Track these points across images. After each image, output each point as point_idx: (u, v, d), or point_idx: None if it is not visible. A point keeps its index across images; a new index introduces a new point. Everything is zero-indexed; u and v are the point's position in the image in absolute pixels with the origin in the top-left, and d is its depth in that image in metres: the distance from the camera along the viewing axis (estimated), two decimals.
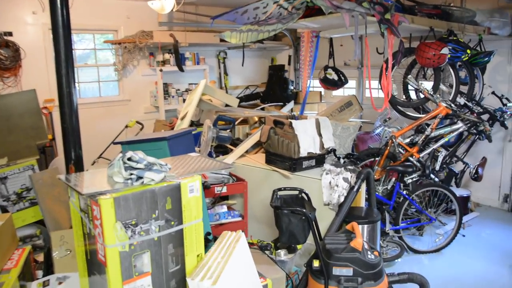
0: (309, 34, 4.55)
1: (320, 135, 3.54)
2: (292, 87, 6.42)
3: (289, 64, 7.97)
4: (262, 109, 5.94)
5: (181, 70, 6.34)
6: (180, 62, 6.28)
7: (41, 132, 3.86)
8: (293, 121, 3.40)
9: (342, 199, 3.23)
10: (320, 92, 6.90)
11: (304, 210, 2.60)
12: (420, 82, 4.62)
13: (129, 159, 1.67)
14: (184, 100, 6.62)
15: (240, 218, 3.38)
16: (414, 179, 4.41)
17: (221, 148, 4.39)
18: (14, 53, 5.38)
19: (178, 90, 6.69)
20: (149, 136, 3.00)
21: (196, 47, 6.84)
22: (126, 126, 5.84)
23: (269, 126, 3.61)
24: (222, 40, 6.88)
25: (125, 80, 6.40)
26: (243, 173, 3.64)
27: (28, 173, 3.69)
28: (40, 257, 3.42)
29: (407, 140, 4.47)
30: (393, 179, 4.40)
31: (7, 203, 3.60)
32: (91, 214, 1.59)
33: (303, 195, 3.00)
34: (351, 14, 3.25)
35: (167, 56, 6.39)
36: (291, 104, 5.74)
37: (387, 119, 5.00)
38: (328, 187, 3.28)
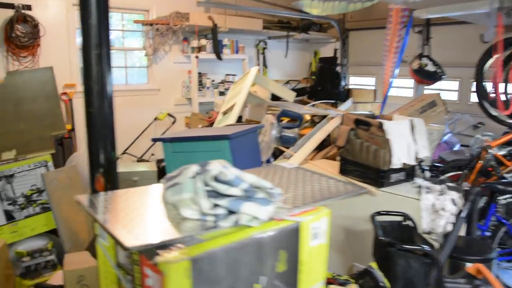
0: (399, 12, 3.71)
1: (414, 141, 2.73)
2: (344, 83, 5.61)
3: None
4: (312, 106, 5.13)
5: (219, 58, 5.58)
6: (218, 49, 5.52)
7: (58, 121, 3.14)
8: (385, 122, 2.60)
9: (449, 227, 2.43)
10: (374, 90, 6.06)
11: (431, 250, 1.80)
12: None
13: (216, 178, 0.90)
14: (220, 93, 5.85)
15: None
16: (509, 200, 3.56)
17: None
18: (33, 29, 4.69)
19: (213, 81, 5.93)
20: (201, 132, 2.26)
21: (235, 34, 6.06)
22: (156, 119, 5.11)
23: (348, 127, 2.81)
24: (265, 28, 6.12)
25: (155, 67, 5.66)
26: None
27: (40, 171, 2.97)
28: (50, 279, 2.70)
29: (503, 152, 3.63)
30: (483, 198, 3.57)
31: (13, 207, 2.89)
32: (139, 280, 0.83)
33: (409, 222, 2.20)
34: None
35: (203, 41, 5.63)
36: (348, 103, 4.95)
37: (478, 125, 4.15)
38: (430, 211, 2.48)
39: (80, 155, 3.42)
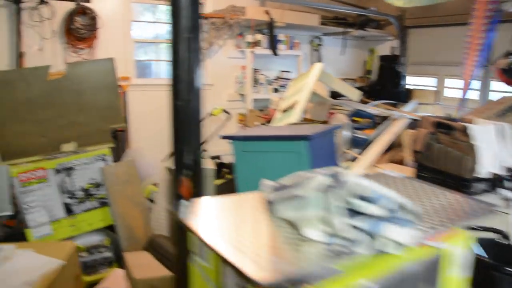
0: (485, 4, 3.40)
1: (502, 148, 2.46)
2: (404, 83, 5.29)
3: None
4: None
5: (275, 53, 5.41)
6: (274, 44, 5.35)
7: (117, 113, 3.07)
8: (471, 126, 2.34)
9: None
10: (436, 91, 5.71)
11: None
12: None
13: (357, 194, 0.72)
14: (275, 90, 5.69)
15: None
16: None
17: None
18: (91, 21, 4.69)
19: (268, 77, 5.78)
20: (274, 131, 2.09)
21: (290, 30, 5.87)
22: (210, 115, 5.01)
23: (426, 130, 2.57)
24: (322, 23, 5.89)
25: (209, 62, 5.56)
26: None
27: (99, 165, 2.91)
28: (107, 276, 2.62)
29: None
30: None
31: (72, 200, 2.83)
32: None
33: (504, 240, 1.95)
34: None
35: (258, 36, 5.48)
36: (412, 104, 4.64)
37: None
38: None
39: (138, 150, 3.35)
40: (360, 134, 2.70)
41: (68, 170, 2.80)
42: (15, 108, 2.78)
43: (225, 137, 2.19)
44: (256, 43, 5.47)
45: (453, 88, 5.99)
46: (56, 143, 2.88)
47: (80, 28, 4.63)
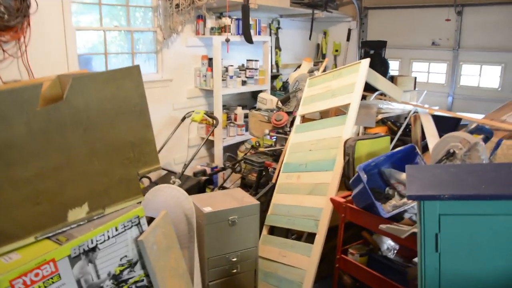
0: None
1: None
2: (389, 73, 4.87)
3: (347, 40, 6.40)
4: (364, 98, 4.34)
5: (250, 41, 4.56)
6: (249, 30, 4.49)
7: (149, 150, 2.07)
8: None
9: None
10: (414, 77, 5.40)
11: None
12: None
13: None
14: (243, 83, 4.85)
15: None
16: None
17: None
18: (20, 4, 3.36)
19: (237, 68, 4.92)
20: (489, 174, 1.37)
21: (255, 13, 5.03)
22: (183, 119, 4.04)
23: None
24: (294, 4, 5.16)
25: (166, 53, 4.50)
26: None
27: (132, 234, 1.93)
28: None
29: None
30: None
31: None
32: None
33: None
34: None
35: (226, 21, 4.56)
36: (422, 94, 4.21)
37: None
38: None
39: (162, 192, 2.39)
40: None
41: (89, 253, 1.76)
42: None
43: (414, 197, 1.42)
44: (224, 29, 4.55)
45: (420, 72, 5.79)
46: (58, 211, 1.80)
47: (3, 12, 3.28)
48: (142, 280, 1.98)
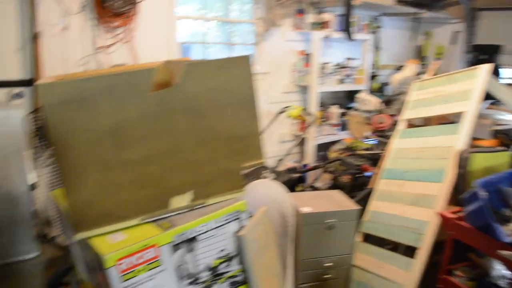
0: None
1: None
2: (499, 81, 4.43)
3: (452, 43, 5.94)
4: None
5: (350, 38, 4.38)
6: (349, 26, 4.30)
7: (254, 144, 2.01)
8: None
9: None
10: None
11: None
12: None
13: None
14: (340, 81, 4.68)
15: None
16: None
17: None
18: None
19: (334, 66, 4.75)
20: None
21: (358, 10, 4.82)
22: (280, 113, 3.97)
23: None
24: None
25: (264, 45, 4.46)
26: None
27: (232, 228, 1.86)
28: None
29: None
30: None
31: (194, 287, 1.77)
32: None
33: None
34: None
35: (327, 16, 4.41)
36: None
37: None
38: None
39: (260, 186, 2.31)
40: None
41: (190, 242, 1.73)
42: (97, 143, 1.64)
43: None
44: (324, 24, 4.40)
45: None
46: (163, 196, 1.78)
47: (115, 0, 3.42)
48: (238, 276, 1.92)
